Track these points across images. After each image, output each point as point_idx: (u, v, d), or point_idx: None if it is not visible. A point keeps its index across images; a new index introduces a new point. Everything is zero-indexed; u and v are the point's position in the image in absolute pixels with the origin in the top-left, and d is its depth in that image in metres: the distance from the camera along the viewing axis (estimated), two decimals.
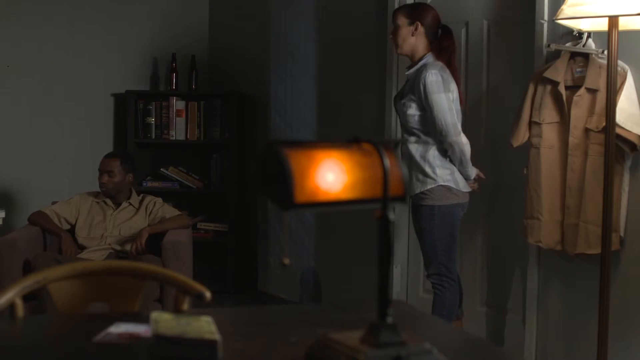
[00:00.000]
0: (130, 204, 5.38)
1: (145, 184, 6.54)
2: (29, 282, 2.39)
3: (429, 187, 4.30)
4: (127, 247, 5.14)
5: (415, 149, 4.34)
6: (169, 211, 5.39)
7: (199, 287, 2.43)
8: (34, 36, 6.37)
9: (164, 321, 1.87)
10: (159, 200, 5.46)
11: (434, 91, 4.21)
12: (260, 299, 6.45)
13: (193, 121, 6.63)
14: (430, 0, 5.01)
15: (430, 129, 4.30)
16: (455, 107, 4.31)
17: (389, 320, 1.76)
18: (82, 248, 5.18)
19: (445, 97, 4.22)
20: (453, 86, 4.31)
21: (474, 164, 4.41)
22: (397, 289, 5.36)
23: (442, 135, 4.24)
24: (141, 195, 5.49)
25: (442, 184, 4.29)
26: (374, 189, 1.72)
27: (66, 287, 2.50)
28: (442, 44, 4.37)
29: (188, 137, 6.64)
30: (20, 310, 2.29)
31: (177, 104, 6.63)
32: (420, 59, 4.37)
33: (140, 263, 2.81)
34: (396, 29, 4.41)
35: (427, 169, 4.29)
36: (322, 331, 1.94)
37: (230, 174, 6.57)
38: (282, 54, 6.44)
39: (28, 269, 4.77)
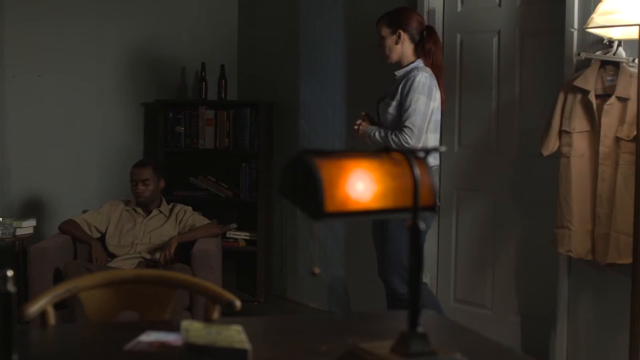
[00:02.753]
0: (161, 211, 5.41)
1: (174, 192, 6.55)
2: (60, 291, 2.41)
3: None
4: (157, 255, 5.16)
5: None
6: (199, 220, 5.41)
7: (229, 295, 2.44)
8: (64, 46, 6.42)
9: (195, 330, 1.88)
10: (189, 208, 5.48)
11: (419, 91, 4.17)
12: (290, 307, 6.45)
13: (222, 130, 6.64)
14: (451, 10, 5.00)
15: (393, 124, 4.24)
16: (435, 118, 4.27)
17: (420, 329, 1.75)
18: (112, 256, 5.21)
19: (426, 102, 4.18)
20: (437, 96, 4.27)
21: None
22: None
23: (403, 133, 4.14)
24: (171, 203, 5.52)
25: None
26: (404, 198, 1.72)
27: (97, 296, 2.51)
28: (425, 46, 4.34)
29: (217, 146, 6.65)
30: (51, 318, 2.30)
31: (207, 113, 6.64)
32: (411, 62, 4.34)
33: (170, 272, 2.82)
34: (381, 41, 4.40)
35: None
36: (352, 340, 1.94)
37: (260, 183, 6.58)
38: (311, 62, 6.44)
39: (59, 277, 4.80)
